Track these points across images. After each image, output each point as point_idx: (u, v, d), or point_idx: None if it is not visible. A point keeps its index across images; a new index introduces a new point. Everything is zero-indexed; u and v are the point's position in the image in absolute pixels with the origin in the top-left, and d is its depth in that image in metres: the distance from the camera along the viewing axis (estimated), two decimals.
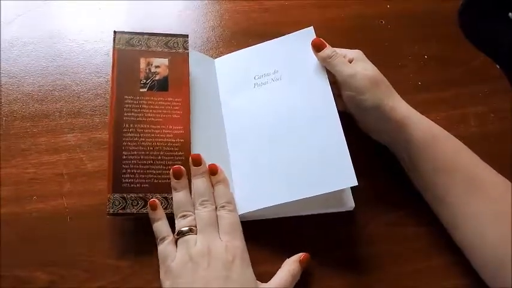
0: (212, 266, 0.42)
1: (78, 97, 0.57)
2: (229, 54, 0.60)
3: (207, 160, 0.49)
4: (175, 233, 0.45)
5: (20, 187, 0.51)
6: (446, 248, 0.49)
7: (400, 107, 0.50)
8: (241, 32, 0.63)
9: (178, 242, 0.45)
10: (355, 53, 0.53)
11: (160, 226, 0.46)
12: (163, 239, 0.45)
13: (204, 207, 0.46)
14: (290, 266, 0.45)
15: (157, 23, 0.65)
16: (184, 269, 0.42)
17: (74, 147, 0.53)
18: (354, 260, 0.48)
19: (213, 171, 0.49)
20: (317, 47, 0.53)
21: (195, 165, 0.48)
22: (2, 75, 0.58)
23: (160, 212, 0.47)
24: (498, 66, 0.61)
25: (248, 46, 0.60)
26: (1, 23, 0.62)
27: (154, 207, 0.47)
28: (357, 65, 0.51)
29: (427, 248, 0.49)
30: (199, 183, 0.48)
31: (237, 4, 0.66)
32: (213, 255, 0.42)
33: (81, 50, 0.61)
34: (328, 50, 0.52)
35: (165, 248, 0.45)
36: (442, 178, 0.47)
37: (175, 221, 0.46)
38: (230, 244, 0.44)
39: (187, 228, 0.45)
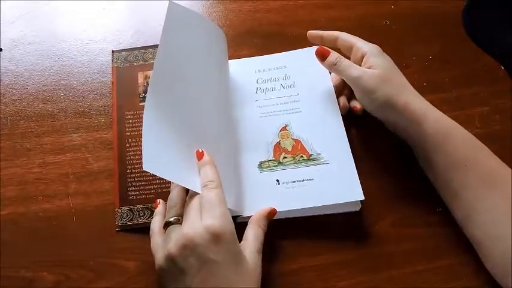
0: (194, 257, 0.40)
1: (83, 97, 0.57)
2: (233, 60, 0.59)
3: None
4: (163, 224, 0.44)
5: (25, 187, 0.51)
6: (453, 249, 0.49)
7: (414, 103, 0.50)
8: (246, 32, 0.63)
9: (166, 232, 0.43)
10: (369, 48, 0.52)
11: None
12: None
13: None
14: (260, 222, 0.46)
15: (161, 23, 0.64)
16: (166, 272, 0.41)
17: (79, 147, 0.53)
18: (361, 260, 0.48)
19: (198, 156, 0.46)
20: (321, 56, 0.53)
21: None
22: (6, 74, 0.58)
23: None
24: (503, 67, 0.61)
25: (252, 46, 0.61)
26: (5, 22, 0.62)
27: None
28: (367, 61, 0.51)
29: (433, 248, 0.49)
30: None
31: (241, 4, 0.66)
32: (193, 244, 0.40)
33: (86, 50, 0.60)
34: (332, 57, 0.52)
35: (154, 241, 0.44)
36: (457, 174, 0.47)
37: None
38: (209, 223, 0.40)
39: (174, 218, 0.43)
